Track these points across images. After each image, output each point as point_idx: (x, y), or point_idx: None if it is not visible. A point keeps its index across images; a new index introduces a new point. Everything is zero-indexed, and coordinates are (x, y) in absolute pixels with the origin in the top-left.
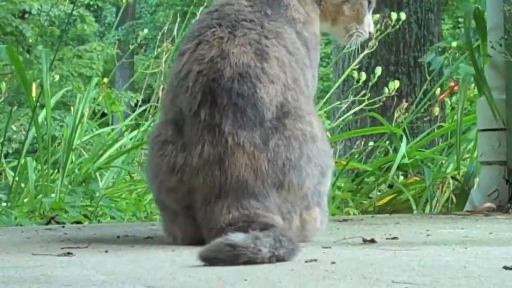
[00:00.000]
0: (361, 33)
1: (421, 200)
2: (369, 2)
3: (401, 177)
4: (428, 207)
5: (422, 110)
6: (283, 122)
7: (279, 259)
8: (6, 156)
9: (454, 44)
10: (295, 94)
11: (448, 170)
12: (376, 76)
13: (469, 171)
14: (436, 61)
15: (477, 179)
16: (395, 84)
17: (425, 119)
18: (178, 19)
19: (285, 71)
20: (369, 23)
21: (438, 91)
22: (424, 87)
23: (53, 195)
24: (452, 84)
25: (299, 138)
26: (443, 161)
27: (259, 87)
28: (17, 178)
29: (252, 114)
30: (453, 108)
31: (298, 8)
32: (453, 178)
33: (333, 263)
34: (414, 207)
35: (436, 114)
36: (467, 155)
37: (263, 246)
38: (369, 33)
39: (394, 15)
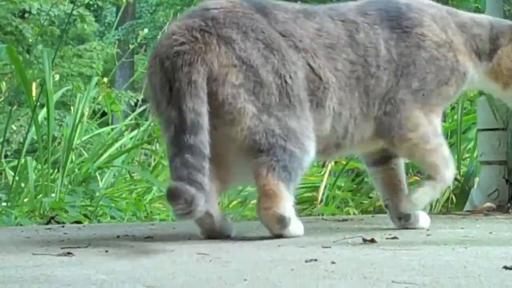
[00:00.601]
0: None
1: None
2: None
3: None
4: (428, 207)
5: None
6: None
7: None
8: (6, 156)
9: None
10: None
11: None
12: None
13: (469, 170)
14: None
15: (477, 179)
16: None
17: None
18: None
19: None
20: None
21: None
22: None
23: (53, 194)
24: None
25: None
26: None
27: None
28: (17, 178)
29: None
30: (453, 108)
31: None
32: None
33: (333, 263)
34: None
35: None
36: (467, 155)
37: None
38: None
39: None
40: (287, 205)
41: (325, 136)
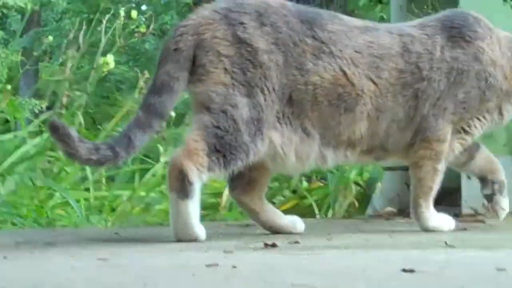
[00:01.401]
0: None
1: (324, 205)
2: None
3: (305, 183)
4: (331, 212)
5: None
6: None
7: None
8: None
9: None
10: None
11: (351, 176)
12: None
13: (372, 176)
14: None
15: (379, 184)
16: None
17: None
18: (84, 27)
19: None
20: None
21: None
22: None
23: None
24: None
25: None
26: (347, 167)
27: None
28: None
29: None
30: None
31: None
32: (355, 183)
33: (234, 267)
34: (317, 211)
35: None
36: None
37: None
38: None
39: None
40: (193, 167)
41: (361, 138)
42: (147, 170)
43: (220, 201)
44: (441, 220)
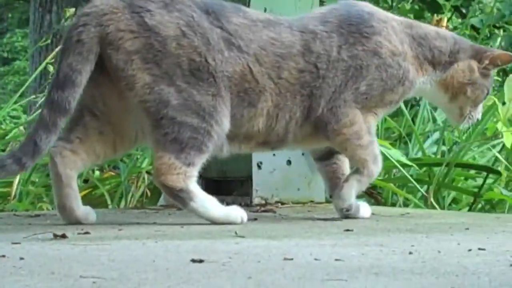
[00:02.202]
0: (472, 117)
1: (117, 195)
2: (487, 93)
3: (97, 172)
4: (123, 202)
5: None
6: None
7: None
8: None
9: None
10: None
11: (144, 165)
12: None
13: None
14: None
15: None
16: None
17: None
18: None
19: None
20: (480, 110)
21: None
22: None
23: None
24: None
25: None
26: (139, 156)
27: None
28: None
29: None
30: None
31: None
32: (148, 172)
33: (21, 259)
34: (109, 202)
35: None
36: None
37: None
38: (477, 119)
39: None
40: (175, 177)
41: (258, 132)
42: None
43: (10, 190)
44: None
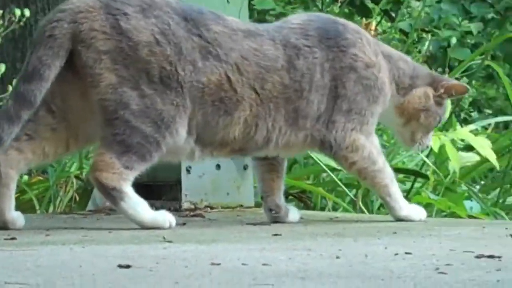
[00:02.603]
0: (422, 143)
1: (45, 199)
2: (439, 121)
3: (25, 176)
4: (51, 207)
5: None
6: None
7: None
8: None
9: None
10: None
11: (72, 170)
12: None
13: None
14: None
15: None
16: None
17: None
18: None
19: None
20: (430, 137)
21: None
22: None
23: None
24: None
25: None
26: (67, 161)
27: None
28: None
29: None
30: None
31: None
32: (76, 177)
33: None
34: (37, 206)
35: None
36: (90, 155)
37: None
38: (427, 146)
39: (18, 12)
40: (110, 176)
41: (235, 139)
42: None
43: None
44: (413, 210)
